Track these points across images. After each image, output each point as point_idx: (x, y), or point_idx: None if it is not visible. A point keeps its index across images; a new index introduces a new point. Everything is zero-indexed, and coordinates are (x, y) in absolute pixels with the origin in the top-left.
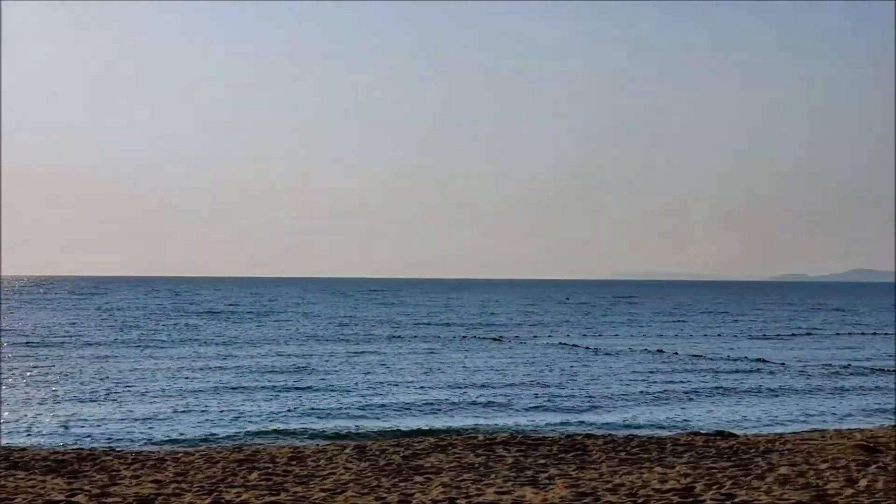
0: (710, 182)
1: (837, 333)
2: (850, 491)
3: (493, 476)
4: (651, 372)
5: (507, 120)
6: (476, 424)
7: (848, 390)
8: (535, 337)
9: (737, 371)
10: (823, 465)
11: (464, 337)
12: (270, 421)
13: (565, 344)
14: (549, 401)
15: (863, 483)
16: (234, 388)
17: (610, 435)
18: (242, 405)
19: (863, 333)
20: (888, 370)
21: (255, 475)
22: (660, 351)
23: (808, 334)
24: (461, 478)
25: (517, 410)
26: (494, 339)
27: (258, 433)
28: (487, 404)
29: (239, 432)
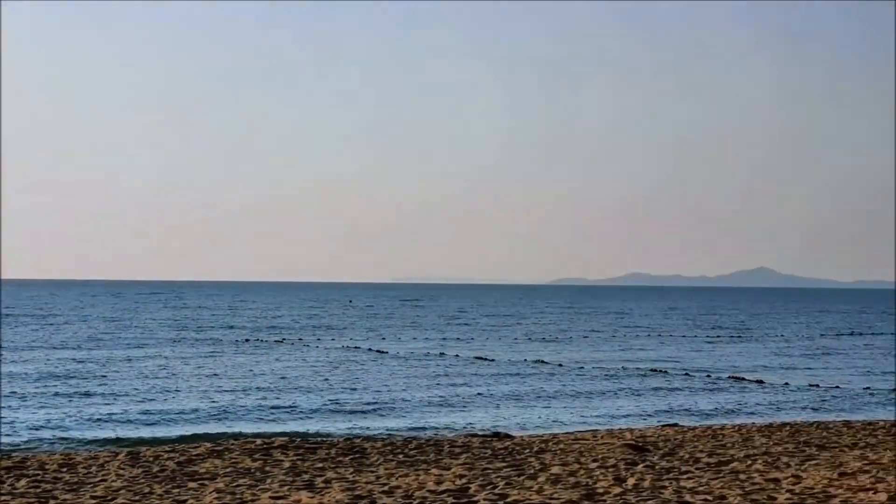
0: (487, 185)
1: (614, 336)
2: (618, 489)
3: (269, 481)
4: (434, 375)
5: (282, 122)
6: (257, 429)
7: (623, 391)
8: (319, 340)
9: (517, 373)
10: (594, 465)
11: (247, 340)
12: (43, 428)
13: (349, 347)
14: (332, 404)
15: (630, 482)
16: (5, 395)
17: (389, 437)
18: (14, 412)
19: (637, 336)
20: (661, 371)
21: (23, 482)
22: (442, 354)
23: (585, 337)
24: (236, 483)
25: (301, 414)
26: (278, 342)
27: (29, 440)
28: (270, 408)
29: (8, 440)
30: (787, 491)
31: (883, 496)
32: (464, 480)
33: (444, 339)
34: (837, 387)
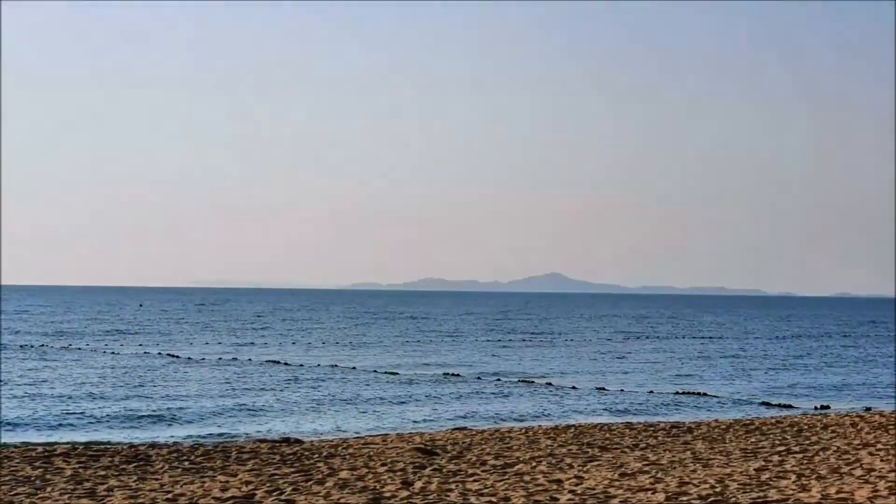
0: (280, 188)
1: (407, 341)
2: (405, 493)
3: (49, 489)
4: (227, 380)
5: (97, 123)
6: (41, 438)
7: (417, 395)
8: (108, 345)
9: (312, 378)
10: (382, 469)
11: (32, 346)
12: None
13: (140, 352)
14: (121, 411)
15: (418, 485)
16: None
17: (175, 444)
18: None
19: (431, 341)
20: (454, 375)
21: None
22: (235, 359)
23: (380, 342)
24: (15, 492)
25: (88, 421)
26: (66, 348)
27: None
28: (56, 416)
29: None
30: (570, 492)
31: (661, 496)
32: (250, 487)
33: (239, 343)
34: (622, 390)
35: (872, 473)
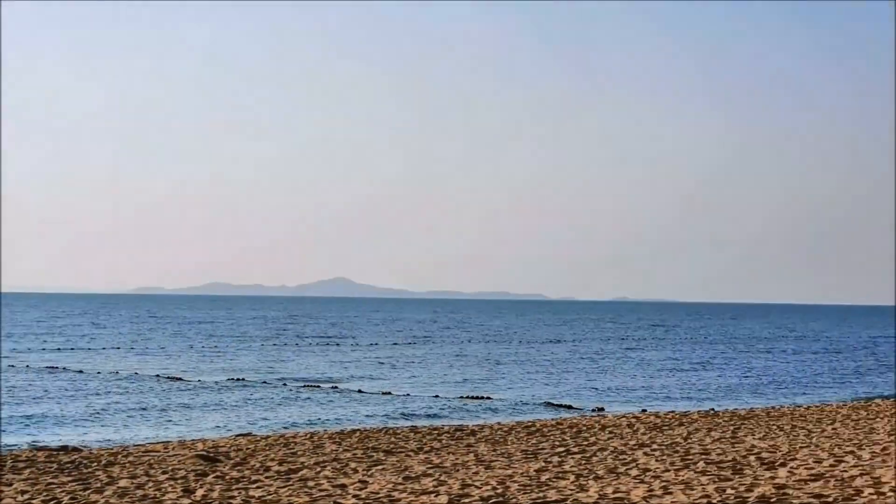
0: (60, 187)
1: (192, 346)
2: (186, 501)
3: None
4: (4, 388)
5: None
6: None
7: (202, 402)
8: None
9: (94, 385)
10: (163, 477)
11: None
12: None
13: None
14: None
15: (199, 493)
16: None
17: None
18: None
19: (217, 346)
20: (240, 380)
21: None
22: (11, 366)
23: (163, 348)
24: None
25: None
26: None
27: None
28: None
29: None
30: (354, 496)
31: (444, 498)
32: (26, 496)
33: (17, 349)
34: (408, 394)
35: (648, 473)
